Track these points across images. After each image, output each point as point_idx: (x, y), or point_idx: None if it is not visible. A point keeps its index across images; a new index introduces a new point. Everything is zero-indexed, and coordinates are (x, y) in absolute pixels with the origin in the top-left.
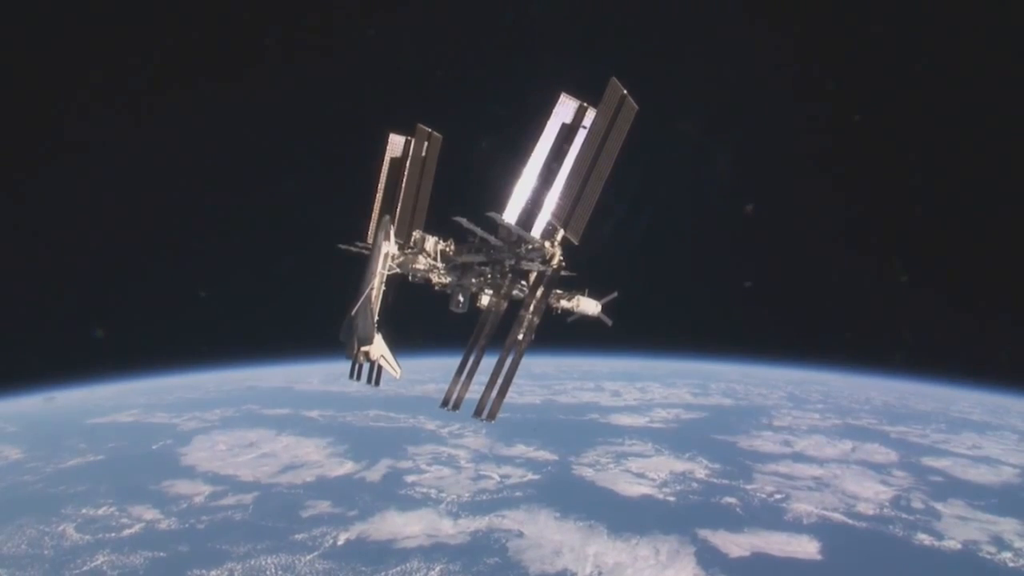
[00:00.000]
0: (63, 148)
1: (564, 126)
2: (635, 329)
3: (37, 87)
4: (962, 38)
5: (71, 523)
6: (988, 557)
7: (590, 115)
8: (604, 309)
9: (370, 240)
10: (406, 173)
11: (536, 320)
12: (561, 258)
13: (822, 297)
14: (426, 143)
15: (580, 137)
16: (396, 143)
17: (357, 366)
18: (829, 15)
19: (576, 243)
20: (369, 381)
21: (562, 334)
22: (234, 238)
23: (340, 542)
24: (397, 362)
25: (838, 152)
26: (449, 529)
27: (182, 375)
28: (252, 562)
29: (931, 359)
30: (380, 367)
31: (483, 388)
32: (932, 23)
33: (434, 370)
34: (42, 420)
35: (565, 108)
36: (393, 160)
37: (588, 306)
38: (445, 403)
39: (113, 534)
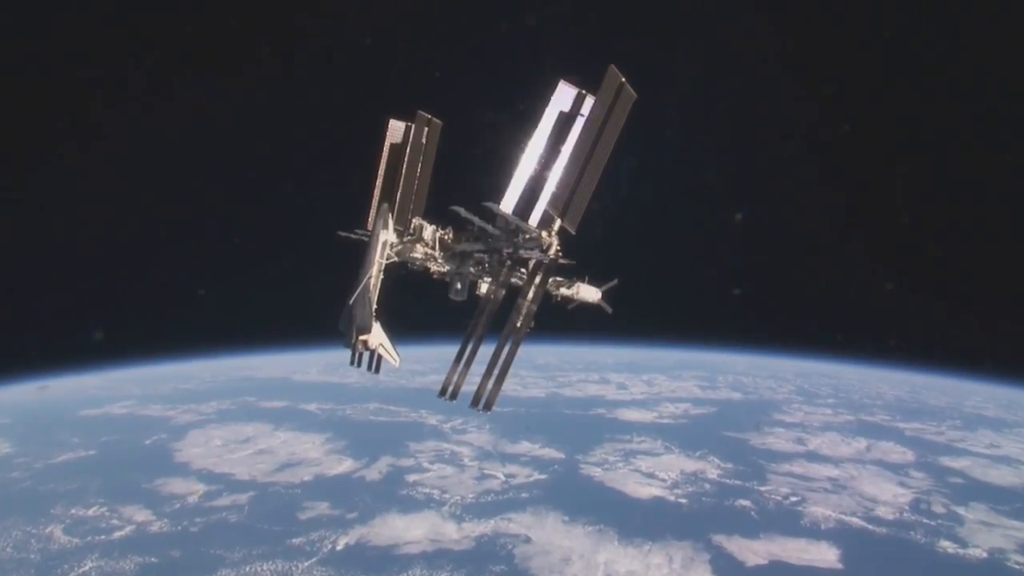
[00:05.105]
0: (59, 142)
1: (562, 114)
2: (639, 317)
3: (36, 85)
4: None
5: (60, 524)
6: (1017, 568)
7: (588, 103)
8: (604, 296)
9: (369, 227)
10: (406, 160)
11: (534, 308)
12: (558, 247)
13: (826, 286)
14: (426, 129)
15: (578, 125)
16: (396, 129)
17: (357, 354)
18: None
19: (573, 232)
20: (369, 368)
21: (564, 322)
22: (231, 225)
23: (339, 547)
24: (396, 351)
25: (847, 137)
26: (453, 534)
27: (177, 363)
28: (247, 568)
29: (939, 350)
30: (380, 356)
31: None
32: (928, 23)
33: (435, 360)
34: (34, 411)
35: (563, 95)
36: (393, 146)
37: (588, 293)
38: (443, 392)
39: (103, 536)
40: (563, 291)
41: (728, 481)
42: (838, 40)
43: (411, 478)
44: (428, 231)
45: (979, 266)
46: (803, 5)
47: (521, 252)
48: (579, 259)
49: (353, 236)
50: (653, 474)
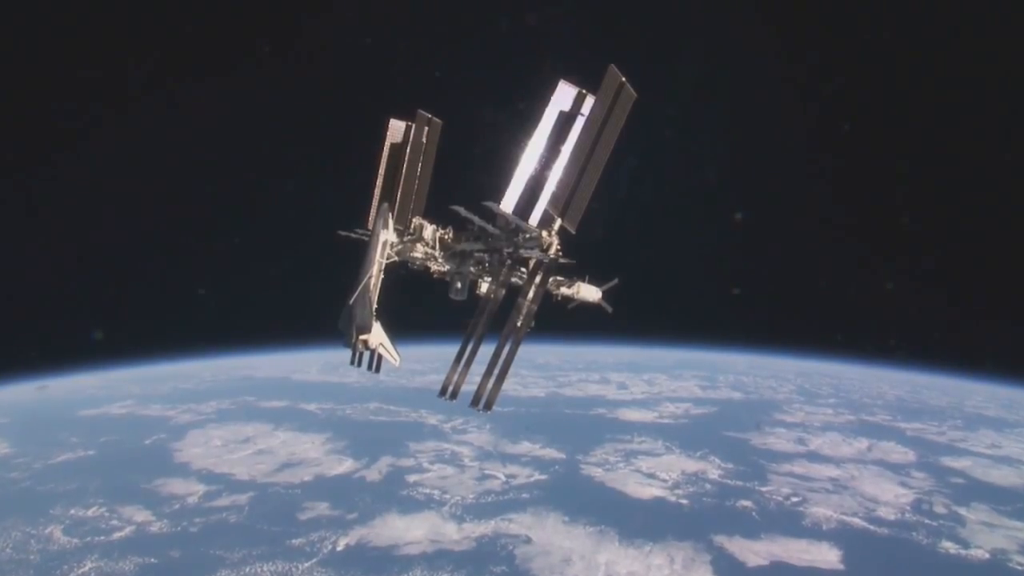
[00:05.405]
0: (59, 142)
1: (562, 113)
2: (639, 317)
3: (36, 85)
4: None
5: (59, 524)
6: (1019, 569)
7: (589, 102)
8: (604, 296)
9: (369, 227)
10: (406, 159)
11: (534, 307)
12: (558, 247)
13: (826, 286)
14: (426, 129)
15: (578, 125)
16: (396, 129)
17: (357, 354)
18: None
19: (573, 232)
20: (369, 368)
21: (564, 322)
22: (231, 225)
23: (339, 548)
24: (397, 350)
25: (848, 137)
26: (453, 534)
27: (177, 363)
28: (247, 569)
29: (939, 350)
30: (380, 355)
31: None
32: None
33: (435, 359)
34: (33, 411)
35: (564, 95)
36: (393, 146)
37: (588, 293)
38: (443, 392)
39: (103, 537)
40: (563, 290)
41: (729, 481)
42: (839, 39)
43: (411, 478)
44: (428, 231)
45: (979, 266)
46: (803, 4)
47: (521, 251)
48: (579, 259)
49: (353, 236)
50: (654, 474)
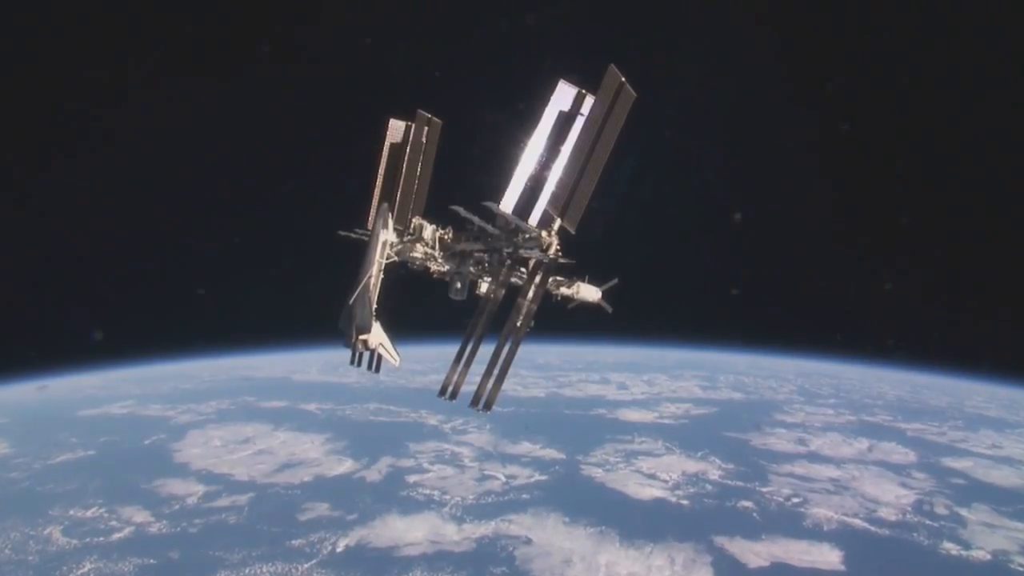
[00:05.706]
0: (59, 142)
1: (562, 113)
2: (639, 317)
3: (37, 85)
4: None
5: (58, 525)
6: (1020, 570)
7: (588, 102)
8: (604, 296)
9: (369, 227)
10: (406, 159)
11: (534, 307)
12: (558, 246)
13: (826, 286)
14: (426, 129)
15: (578, 124)
16: (396, 129)
17: (357, 354)
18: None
19: (573, 232)
20: (369, 368)
21: (564, 322)
22: (231, 225)
23: (339, 548)
24: (397, 350)
25: (847, 136)
26: (453, 535)
27: (177, 363)
28: (247, 570)
29: (939, 350)
30: (380, 355)
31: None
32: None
33: (436, 359)
34: (33, 411)
35: (563, 95)
36: (393, 146)
37: (588, 293)
38: (443, 392)
39: (102, 538)
40: (563, 290)
41: (729, 482)
42: (838, 39)
43: (411, 479)
44: (428, 230)
45: (978, 266)
46: (803, 4)
47: (521, 251)
48: (579, 258)
49: (353, 236)
50: (654, 475)
